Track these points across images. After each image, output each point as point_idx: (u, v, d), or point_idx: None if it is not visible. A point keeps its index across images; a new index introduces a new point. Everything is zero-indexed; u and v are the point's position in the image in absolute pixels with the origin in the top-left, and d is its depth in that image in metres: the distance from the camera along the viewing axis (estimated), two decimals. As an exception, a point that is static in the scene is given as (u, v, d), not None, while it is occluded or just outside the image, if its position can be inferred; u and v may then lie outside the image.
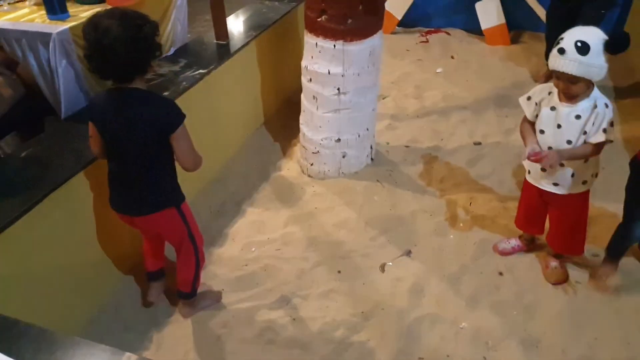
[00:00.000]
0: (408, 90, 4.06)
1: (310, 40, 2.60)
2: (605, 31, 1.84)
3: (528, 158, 1.97)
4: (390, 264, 2.44)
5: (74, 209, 1.99)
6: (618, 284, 2.25)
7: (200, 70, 2.75)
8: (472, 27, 4.95)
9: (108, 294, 2.27)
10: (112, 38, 1.51)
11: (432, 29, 5.08)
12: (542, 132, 2.00)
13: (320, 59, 2.59)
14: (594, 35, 1.78)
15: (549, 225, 2.30)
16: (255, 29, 3.34)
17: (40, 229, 1.84)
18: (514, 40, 4.80)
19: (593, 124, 1.88)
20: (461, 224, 2.67)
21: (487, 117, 3.66)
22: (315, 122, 2.81)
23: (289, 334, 2.12)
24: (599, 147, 1.92)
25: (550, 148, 1.98)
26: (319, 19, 2.49)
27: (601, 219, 2.56)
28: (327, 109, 2.73)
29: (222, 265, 2.46)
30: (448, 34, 5.04)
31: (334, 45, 2.51)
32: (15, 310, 1.45)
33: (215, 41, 3.14)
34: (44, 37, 2.09)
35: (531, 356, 1.98)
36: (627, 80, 3.86)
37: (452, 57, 4.59)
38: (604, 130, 1.87)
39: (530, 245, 2.46)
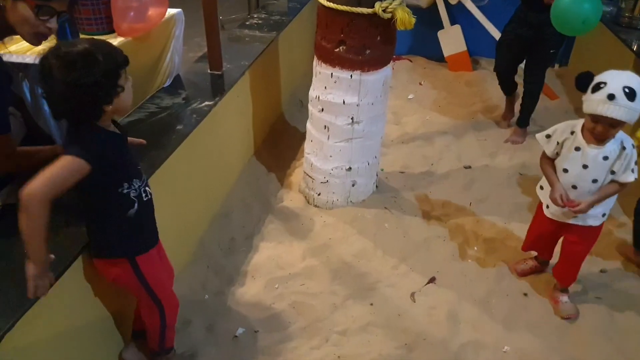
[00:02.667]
0: (387, 117, 4.14)
1: (324, 71, 2.58)
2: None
3: (563, 206, 2.01)
4: (419, 292, 2.44)
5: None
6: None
7: (207, 102, 2.65)
8: (432, 54, 5.17)
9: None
10: (52, 81, 1.32)
11: (395, 57, 5.23)
12: (565, 170, 2.03)
13: (335, 89, 2.58)
14: (636, 80, 1.82)
15: (560, 256, 2.32)
16: (246, 58, 3.28)
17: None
18: (474, 67, 5.06)
19: (622, 164, 1.93)
20: (475, 248, 2.73)
21: (469, 141, 3.81)
22: (326, 152, 2.78)
23: (339, 373, 2.04)
24: (626, 185, 1.98)
25: (574, 187, 2.02)
26: (336, 50, 2.48)
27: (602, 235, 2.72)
28: (339, 138, 2.71)
29: (248, 306, 2.34)
30: (410, 61, 5.22)
31: (351, 76, 2.51)
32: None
33: (209, 71, 3.04)
34: (64, 71, 1.91)
35: (578, 374, 2.04)
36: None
37: (420, 84, 4.76)
38: (633, 171, 1.93)
39: (544, 267, 2.55)
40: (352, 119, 2.65)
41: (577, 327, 2.26)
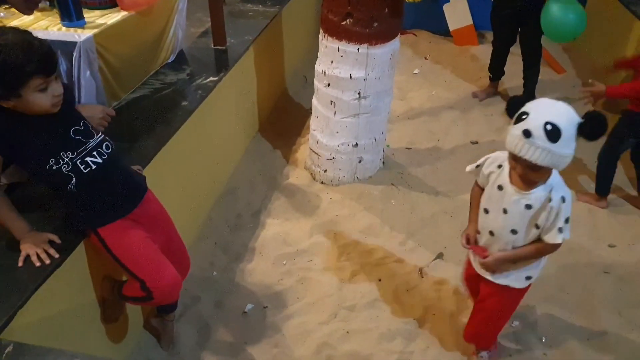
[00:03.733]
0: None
1: (330, 45, 2.53)
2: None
3: (469, 248, 1.74)
4: (427, 268, 2.44)
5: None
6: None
7: (212, 78, 2.61)
8: (437, 28, 5.08)
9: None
10: None
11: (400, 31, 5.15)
12: (486, 211, 1.65)
13: (342, 64, 2.54)
14: (566, 117, 1.39)
15: (473, 308, 1.94)
16: (250, 33, 3.22)
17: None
18: (480, 41, 4.97)
19: (547, 219, 1.52)
20: (482, 223, 2.71)
21: (475, 116, 3.77)
22: (332, 128, 2.75)
23: (348, 348, 2.05)
24: (553, 246, 1.56)
25: (491, 233, 1.64)
26: (342, 23, 2.43)
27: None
28: (345, 114, 2.68)
29: (257, 282, 2.34)
30: (415, 35, 5.14)
31: (358, 49, 2.47)
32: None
33: (212, 46, 2.99)
34: (67, 47, 1.88)
35: (587, 350, 2.05)
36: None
37: (426, 58, 4.69)
38: (560, 230, 1.51)
39: None
40: (359, 93, 2.61)
41: (587, 302, 2.26)
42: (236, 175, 2.97)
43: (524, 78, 3.72)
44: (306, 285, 2.33)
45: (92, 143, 1.51)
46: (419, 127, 3.60)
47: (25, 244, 1.49)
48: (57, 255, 1.50)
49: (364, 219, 2.73)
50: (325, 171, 2.91)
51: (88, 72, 1.95)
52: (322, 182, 2.96)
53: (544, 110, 1.42)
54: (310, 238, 2.60)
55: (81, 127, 1.50)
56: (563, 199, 1.49)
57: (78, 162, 1.47)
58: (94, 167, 1.49)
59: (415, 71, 4.44)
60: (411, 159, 3.23)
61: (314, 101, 2.83)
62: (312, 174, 3.01)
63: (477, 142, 3.43)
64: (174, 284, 1.66)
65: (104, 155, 1.52)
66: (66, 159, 1.45)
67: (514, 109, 1.48)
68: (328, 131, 2.78)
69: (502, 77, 3.95)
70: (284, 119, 3.63)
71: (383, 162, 3.08)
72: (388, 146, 3.29)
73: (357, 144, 2.78)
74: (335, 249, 2.53)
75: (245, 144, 3.20)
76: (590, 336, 2.11)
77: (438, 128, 3.60)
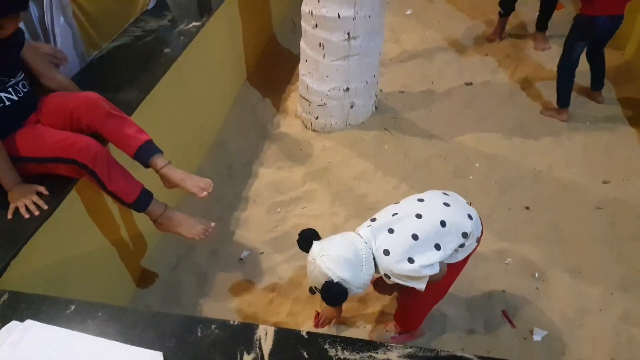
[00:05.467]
0: (384, 34, 3.97)
1: (316, -17, 2.43)
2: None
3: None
4: (421, 210, 2.43)
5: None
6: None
7: (194, 23, 2.51)
8: (431, -34, 4.87)
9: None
10: None
11: (391, -30, 4.95)
12: None
13: (329, 2, 2.44)
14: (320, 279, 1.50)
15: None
16: (233, -26, 3.08)
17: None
18: (474, -22, 4.78)
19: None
20: (477, 165, 2.70)
21: (469, 57, 3.67)
22: (322, 72, 2.68)
23: (343, 290, 2.07)
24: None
25: None
26: (328, -41, 2.32)
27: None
28: (335, 56, 2.60)
29: (251, 229, 2.34)
30: (407, -26, 4.93)
31: (345, -13, 2.37)
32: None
33: (194, -10, 2.87)
34: (37, -9, 1.79)
35: (578, 282, 2.07)
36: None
37: (419, -3, 4.53)
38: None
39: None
40: (348, 34, 2.52)
41: (579, 237, 2.27)
42: (226, 125, 2.92)
43: (545, 7, 3.63)
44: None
45: (12, 82, 1.55)
46: (412, 70, 3.51)
47: (14, 196, 1.48)
48: (45, 207, 1.49)
49: (357, 165, 2.70)
50: (317, 118, 2.85)
51: (62, 19, 1.86)
52: (314, 130, 2.92)
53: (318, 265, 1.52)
54: (303, 186, 2.58)
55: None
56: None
57: None
58: (7, 103, 1.54)
59: (408, 12, 4.29)
60: (404, 102, 3.17)
61: (302, 44, 2.74)
62: (303, 122, 2.96)
63: (471, 83, 3.37)
64: (85, 143, 1.56)
65: (20, 93, 1.57)
66: None
67: (304, 245, 1.61)
68: (318, 75, 2.70)
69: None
70: (273, 66, 3.54)
71: (376, 107, 3.02)
72: (381, 90, 3.23)
73: (348, 88, 2.72)
74: (328, 195, 2.52)
75: (233, 93, 3.13)
76: (581, 269, 2.13)
77: (432, 70, 3.52)
